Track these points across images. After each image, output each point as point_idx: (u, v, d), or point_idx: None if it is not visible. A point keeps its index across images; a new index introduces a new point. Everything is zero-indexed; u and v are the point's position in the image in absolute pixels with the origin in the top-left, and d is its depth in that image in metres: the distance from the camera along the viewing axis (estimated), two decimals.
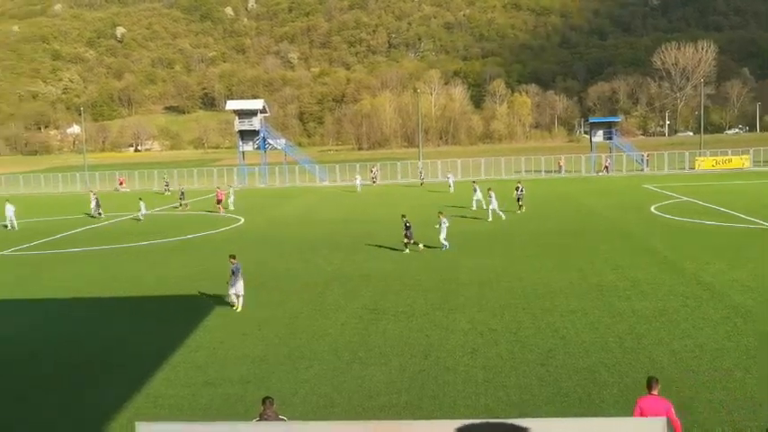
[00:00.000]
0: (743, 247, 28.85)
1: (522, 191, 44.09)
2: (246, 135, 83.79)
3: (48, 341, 19.50)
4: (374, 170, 79.32)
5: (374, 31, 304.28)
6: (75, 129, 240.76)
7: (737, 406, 12.97)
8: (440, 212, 31.86)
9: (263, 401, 10.68)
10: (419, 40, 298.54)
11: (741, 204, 42.91)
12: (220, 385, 15.25)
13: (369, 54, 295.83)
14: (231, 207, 52.96)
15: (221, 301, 22.25)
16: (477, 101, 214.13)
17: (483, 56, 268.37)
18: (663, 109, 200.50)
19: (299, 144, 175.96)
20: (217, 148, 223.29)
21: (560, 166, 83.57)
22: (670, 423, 8.67)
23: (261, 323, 20.01)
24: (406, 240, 30.65)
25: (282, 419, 10.57)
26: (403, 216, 31.32)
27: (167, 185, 74.68)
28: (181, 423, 8.76)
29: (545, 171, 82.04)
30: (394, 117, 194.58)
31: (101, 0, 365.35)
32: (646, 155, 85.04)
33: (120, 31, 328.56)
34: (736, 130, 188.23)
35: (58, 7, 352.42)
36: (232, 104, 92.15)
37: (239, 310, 21.34)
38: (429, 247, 30.78)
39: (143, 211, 47.94)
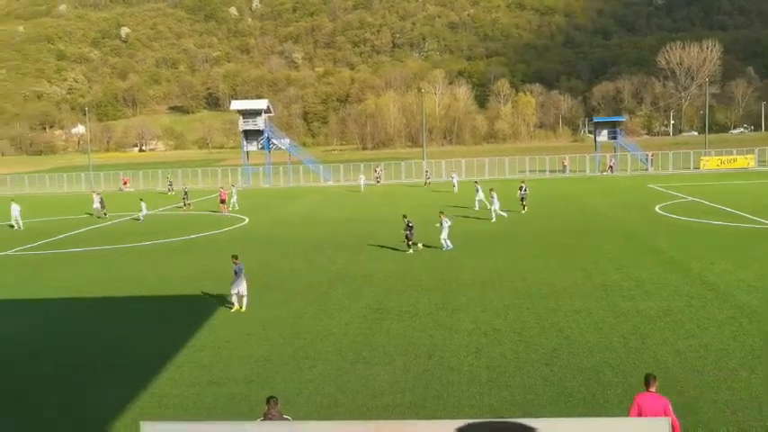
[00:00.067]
0: (748, 247, 28.78)
1: (525, 191, 44.01)
2: (251, 135, 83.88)
3: (49, 341, 19.52)
4: (378, 170, 79.32)
5: (378, 30, 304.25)
6: (80, 129, 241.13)
7: (742, 406, 12.94)
8: (441, 212, 31.82)
9: (268, 401, 10.68)
10: (423, 39, 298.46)
11: (746, 204, 42.83)
12: (225, 385, 15.26)
13: (373, 54, 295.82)
14: (236, 207, 53.00)
15: (225, 300, 22.27)
16: (482, 101, 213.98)
17: (487, 55, 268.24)
18: (667, 108, 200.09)
19: (304, 144, 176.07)
20: (221, 148, 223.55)
21: (565, 166, 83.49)
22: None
23: (265, 323, 20.02)
24: (407, 240, 30.64)
25: (287, 419, 10.57)
26: (404, 216, 31.31)
27: (171, 185, 74.77)
28: (185, 423, 8.77)
29: (549, 171, 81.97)
30: (398, 117, 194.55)
31: (105, 0, 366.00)
32: (650, 154, 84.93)
33: (124, 31, 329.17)
34: (741, 129, 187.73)
35: (62, 8, 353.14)
36: (236, 104, 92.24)
37: (244, 309, 21.34)
38: (428, 246, 30.76)
39: (144, 211, 47.95)
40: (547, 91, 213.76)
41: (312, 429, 4.44)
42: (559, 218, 40.86)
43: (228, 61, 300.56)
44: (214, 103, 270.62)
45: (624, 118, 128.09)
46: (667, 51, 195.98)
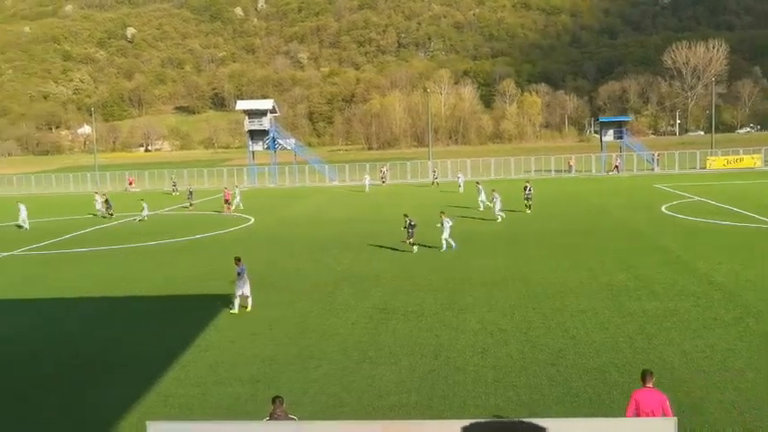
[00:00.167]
0: (755, 247, 28.70)
1: (530, 191, 43.94)
2: (256, 135, 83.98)
3: (54, 340, 19.55)
4: (384, 170, 79.29)
5: (384, 30, 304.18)
6: (86, 129, 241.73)
7: (749, 407, 12.90)
8: (442, 212, 31.73)
9: (273, 401, 10.68)
10: (429, 39, 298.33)
11: (753, 204, 42.70)
12: (230, 384, 15.27)
13: (378, 54, 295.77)
14: (241, 206, 53.01)
15: (230, 301, 22.26)
16: (487, 100, 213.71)
17: (493, 55, 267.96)
18: (674, 108, 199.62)
19: (309, 144, 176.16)
20: (227, 147, 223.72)
21: (570, 166, 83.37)
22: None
23: (271, 323, 20.03)
24: (409, 239, 30.60)
25: (292, 419, 10.57)
26: (405, 215, 31.27)
27: (175, 186, 74.83)
28: (191, 422, 8.78)
29: (555, 171, 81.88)
30: (403, 117, 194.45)
31: (111, 1, 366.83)
32: (656, 154, 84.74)
33: (130, 31, 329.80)
34: (748, 129, 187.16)
35: (68, 8, 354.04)
36: (242, 104, 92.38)
37: (249, 309, 21.33)
38: (424, 246, 30.70)
39: (145, 212, 47.93)
40: (552, 91, 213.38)
41: (318, 429, 4.43)
42: (565, 218, 40.81)
43: (234, 61, 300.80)
44: (220, 103, 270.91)
45: (630, 118, 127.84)
46: (674, 51, 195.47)
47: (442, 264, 27.67)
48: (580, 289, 22.30)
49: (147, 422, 4.03)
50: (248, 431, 4.75)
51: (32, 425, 13.93)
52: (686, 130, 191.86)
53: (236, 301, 21.26)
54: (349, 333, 18.70)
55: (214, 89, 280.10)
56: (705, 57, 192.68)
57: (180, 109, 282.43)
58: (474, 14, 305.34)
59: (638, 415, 9.87)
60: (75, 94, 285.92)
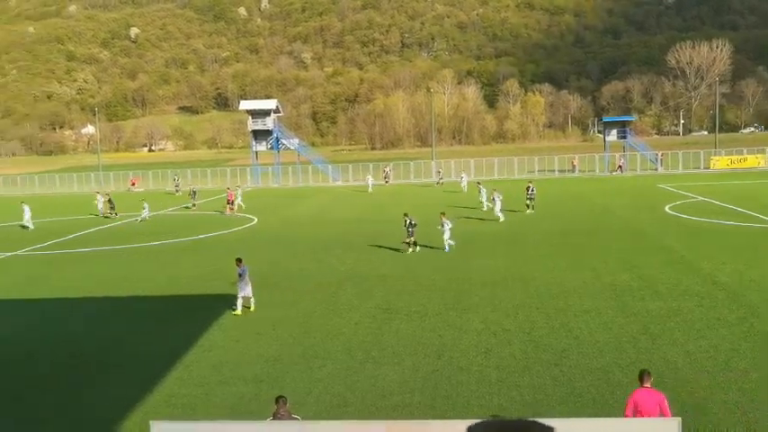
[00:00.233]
0: (759, 247, 28.66)
1: (533, 191, 43.85)
2: (260, 135, 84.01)
3: (54, 341, 19.56)
4: (387, 170, 79.26)
5: (387, 30, 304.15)
6: (90, 129, 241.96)
7: (752, 407, 12.89)
8: (442, 213, 31.67)
9: (277, 400, 10.69)
10: (432, 39, 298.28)
11: (757, 204, 42.63)
12: (234, 384, 15.29)
13: (382, 54, 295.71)
14: (242, 206, 52.95)
15: (234, 300, 22.28)
16: (491, 100, 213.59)
17: (496, 55, 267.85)
18: (677, 108, 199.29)
19: (313, 144, 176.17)
20: (230, 148, 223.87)
21: (574, 166, 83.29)
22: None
23: (275, 322, 20.04)
24: (409, 240, 30.57)
25: (296, 418, 10.58)
26: (405, 215, 31.24)
27: (177, 186, 74.86)
28: (195, 422, 8.79)
29: (558, 171, 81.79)
30: (407, 117, 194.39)
31: (115, 1, 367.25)
32: (660, 154, 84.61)
33: (134, 31, 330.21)
34: (752, 128, 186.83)
35: (72, 8, 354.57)
36: (245, 104, 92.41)
37: (252, 309, 21.34)
38: (430, 247, 30.70)
39: (146, 212, 47.91)
40: (556, 91, 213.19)
41: (321, 429, 4.44)
42: (568, 218, 40.78)
43: (237, 61, 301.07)
44: (223, 103, 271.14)
45: (634, 118, 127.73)
46: (677, 51, 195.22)
47: (445, 264, 27.67)
48: (583, 289, 22.28)
49: (151, 422, 4.03)
50: (252, 431, 4.75)
51: (34, 424, 13.95)
52: (690, 130, 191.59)
53: (239, 302, 21.24)
54: (353, 333, 18.71)
55: (217, 89, 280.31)
56: (709, 56, 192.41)
57: (183, 109, 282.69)
58: (477, 14, 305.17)
59: (636, 415, 9.89)
60: (78, 94, 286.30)
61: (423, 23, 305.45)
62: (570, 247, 30.08)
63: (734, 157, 79.43)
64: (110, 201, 51.44)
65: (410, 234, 30.54)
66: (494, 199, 40.24)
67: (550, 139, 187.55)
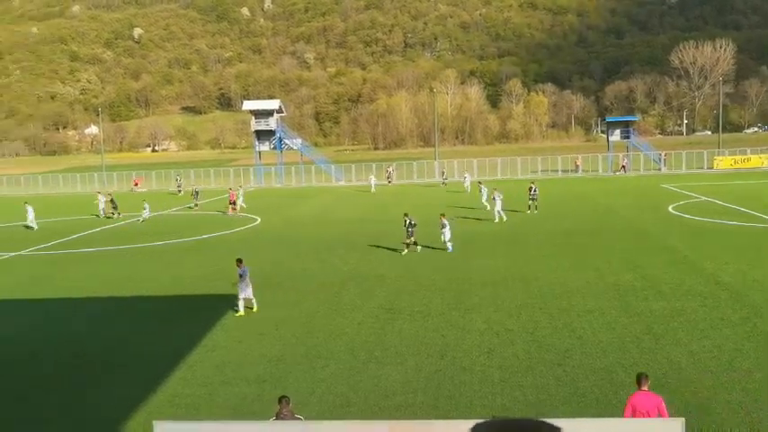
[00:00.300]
0: (763, 247, 28.61)
1: (535, 191, 43.67)
2: (263, 135, 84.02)
3: (58, 341, 19.60)
4: (390, 170, 79.23)
5: (390, 30, 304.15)
6: (93, 129, 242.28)
7: (756, 407, 12.87)
8: (442, 214, 31.64)
9: (280, 400, 10.71)
10: (435, 39, 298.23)
11: (760, 204, 42.55)
12: (237, 384, 15.30)
13: (385, 54, 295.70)
14: (244, 206, 52.87)
15: (236, 301, 22.29)
16: (494, 100, 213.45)
17: (499, 55, 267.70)
18: (681, 108, 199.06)
19: (315, 144, 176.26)
20: (233, 148, 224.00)
21: (577, 166, 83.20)
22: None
23: (278, 323, 20.05)
24: (409, 240, 30.55)
25: (299, 418, 10.59)
26: (405, 215, 31.22)
27: (180, 186, 74.91)
28: (198, 422, 8.80)
29: (562, 171, 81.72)
30: (410, 117, 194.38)
31: (118, 1, 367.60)
32: (663, 154, 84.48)
33: (137, 31, 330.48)
34: (755, 128, 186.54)
35: (76, 9, 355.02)
36: (248, 105, 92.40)
37: (255, 309, 21.34)
38: (433, 247, 30.68)
39: (146, 213, 47.90)
40: (559, 91, 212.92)
41: (324, 429, 4.43)
42: (572, 218, 40.74)
43: (240, 61, 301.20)
44: (226, 103, 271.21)
45: (637, 118, 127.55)
46: (680, 50, 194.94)
47: (448, 264, 27.66)
48: (587, 289, 22.26)
49: (154, 422, 4.03)
50: (255, 431, 4.75)
51: (37, 424, 13.98)
52: (693, 130, 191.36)
53: (241, 303, 21.23)
54: (356, 333, 18.71)
55: (221, 89, 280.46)
56: (712, 56, 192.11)
57: (186, 109, 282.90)
58: (480, 14, 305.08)
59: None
60: (82, 94, 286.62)
61: (426, 23, 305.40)
62: (573, 247, 30.06)
63: (737, 157, 79.29)
64: (112, 201, 51.43)
65: (410, 234, 30.51)
66: (494, 199, 40.17)
67: (553, 139, 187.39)
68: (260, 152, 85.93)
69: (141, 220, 47.42)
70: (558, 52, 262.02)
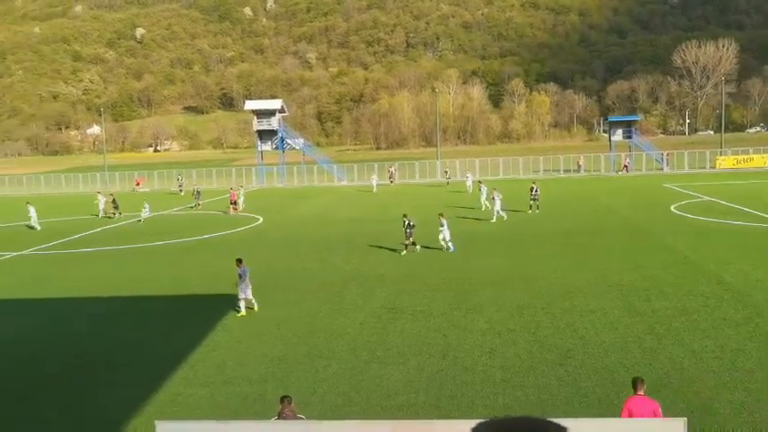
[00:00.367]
0: (765, 247, 28.57)
1: (536, 191, 43.56)
2: (265, 135, 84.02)
3: (59, 340, 19.62)
4: (392, 170, 79.19)
5: (392, 30, 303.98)
6: (96, 129, 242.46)
7: (759, 407, 12.85)
8: (440, 214, 31.62)
9: (282, 400, 10.70)
10: (437, 39, 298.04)
11: (763, 204, 42.48)
12: (239, 384, 15.30)
13: (387, 54, 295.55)
14: (243, 206, 52.79)
15: (237, 303, 22.27)
16: (496, 100, 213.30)
17: (501, 55, 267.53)
18: (683, 108, 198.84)
19: (318, 144, 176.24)
20: (235, 147, 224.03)
21: (579, 166, 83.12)
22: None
23: (279, 322, 20.05)
24: (408, 241, 30.54)
25: (301, 418, 10.58)
26: (404, 216, 31.20)
27: (181, 186, 74.90)
28: (200, 422, 8.80)
29: (564, 170, 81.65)
30: (412, 117, 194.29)
31: (120, 1, 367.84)
32: (666, 154, 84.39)
33: (139, 31, 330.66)
34: (758, 128, 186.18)
35: (78, 9, 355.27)
36: (250, 104, 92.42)
37: (256, 309, 21.31)
38: (434, 248, 30.65)
39: (146, 213, 47.87)
40: (561, 90, 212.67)
41: (326, 429, 4.41)
42: (574, 217, 40.70)
43: (243, 61, 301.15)
44: (228, 103, 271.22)
45: (639, 117, 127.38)
46: (683, 50, 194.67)
47: (449, 264, 27.65)
48: (589, 289, 22.24)
49: (156, 421, 4.02)
50: (256, 430, 4.73)
51: (38, 424, 13.98)
52: (696, 130, 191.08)
53: (242, 304, 21.22)
54: (357, 333, 18.70)
55: (223, 89, 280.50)
56: (715, 56, 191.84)
57: (189, 109, 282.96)
58: (482, 14, 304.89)
59: None
60: (84, 94, 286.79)
61: (428, 23, 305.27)
62: (575, 247, 30.03)
63: (740, 157, 79.19)
64: (114, 201, 51.35)
65: (408, 235, 30.48)
66: (493, 198, 40.12)
67: (555, 139, 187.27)
68: (262, 152, 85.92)
69: (141, 220, 47.40)
70: (560, 52, 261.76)
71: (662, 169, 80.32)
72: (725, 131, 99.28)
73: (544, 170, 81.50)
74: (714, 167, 77.62)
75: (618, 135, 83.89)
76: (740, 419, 12.37)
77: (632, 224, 36.72)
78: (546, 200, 46.08)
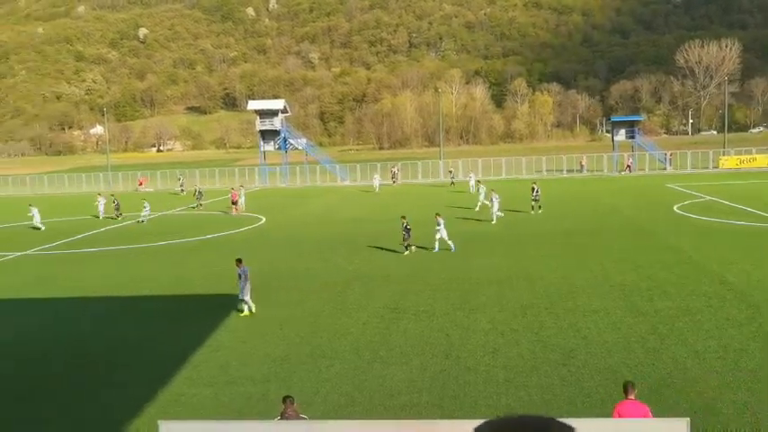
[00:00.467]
0: None
1: (537, 192, 43.39)
2: (268, 135, 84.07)
3: (63, 340, 19.63)
4: (395, 170, 79.15)
5: (395, 30, 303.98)
6: (99, 129, 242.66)
7: (762, 407, 12.83)
8: (437, 214, 31.63)
9: (284, 400, 10.71)
10: (440, 39, 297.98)
11: (765, 204, 42.41)
12: (242, 384, 15.31)
13: (389, 54, 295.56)
14: (243, 207, 52.77)
15: (238, 304, 22.29)
16: (499, 100, 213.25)
17: (504, 55, 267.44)
18: (686, 107, 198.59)
19: (320, 144, 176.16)
20: (238, 148, 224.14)
21: (582, 166, 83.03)
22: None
23: (282, 322, 20.06)
24: (406, 242, 30.53)
25: (303, 418, 10.59)
26: (403, 217, 31.18)
27: (182, 186, 74.92)
28: (203, 422, 8.82)
29: (567, 170, 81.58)
30: (414, 116, 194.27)
31: (123, 1, 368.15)
32: (669, 154, 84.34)
33: (142, 32, 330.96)
34: (761, 128, 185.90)
35: (81, 9, 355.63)
36: (253, 104, 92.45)
37: (254, 310, 21.25)
38: (433, 248, 30.63)
39: (146, 213, 47.87)
40: (564, 90, 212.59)
41: (329, 428, 4.43)
42: (577, 217, 40.67)
43: (245, 61, 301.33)
44: (231, 103, 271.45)
45: (642, 117, 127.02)
46: (686, 50, 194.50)
47: (451, 264, 27.64)
48: (592, 289, 22.23)
49: (159, 421, 4.04)
50: (259, 430, 4.75)
51: (42, 424, 14.00)
52: (699, 130, 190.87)
53: (245, 304, 21.30)
54: (360, 332, 18.71)
55: (225, 89, 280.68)
56: (718, 56, 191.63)
57: (191, 109, 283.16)
58: (485, 14, 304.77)
59: None
60: (87, 94, 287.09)
61: (430, 23, 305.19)
62: (578, 247, 30.02)
63: (743, 157, 79.07)
64: (115, 202, 51.24)
65: (406, 238, 30.47)
66: (492, 199, 40.06)
67: (558, 139, 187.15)
68: (265, 152, 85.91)
69: (140, 220, 47.38)
70: (562, 52, 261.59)
71: (665, 169, 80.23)
72: (728, 131, 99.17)
73: (547, 170, 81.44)
74: (717, 167, 77.54)
75: (621, 135, 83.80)
76: (743, 419, 12.36)
77: (635, 224, 36.69)
78: (548, 200, 46.04)
